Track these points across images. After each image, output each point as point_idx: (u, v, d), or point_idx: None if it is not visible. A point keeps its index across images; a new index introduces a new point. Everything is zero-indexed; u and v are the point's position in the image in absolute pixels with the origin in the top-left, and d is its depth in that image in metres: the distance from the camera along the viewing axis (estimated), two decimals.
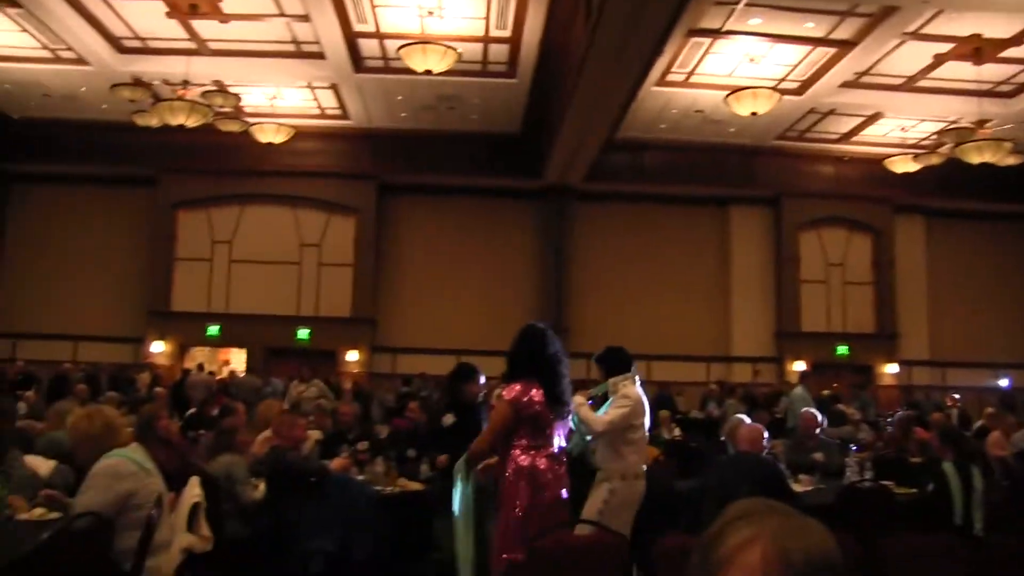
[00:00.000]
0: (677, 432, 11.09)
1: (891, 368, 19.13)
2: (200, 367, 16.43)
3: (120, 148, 17.87)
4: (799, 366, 18.65)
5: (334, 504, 5.09)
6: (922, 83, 14.90)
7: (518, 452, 3.99)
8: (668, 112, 16.63)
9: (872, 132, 17.45)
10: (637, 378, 5.01)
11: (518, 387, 4.03)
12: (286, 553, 5.09)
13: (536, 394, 4.02)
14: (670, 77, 14.96)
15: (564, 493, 4.05)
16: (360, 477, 5.76)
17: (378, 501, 5.32)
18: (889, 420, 11.33)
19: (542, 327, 4.26)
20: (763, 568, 1.02)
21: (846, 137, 17.92)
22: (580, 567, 3.68)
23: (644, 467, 4.95)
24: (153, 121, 13.79)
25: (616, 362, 5.04)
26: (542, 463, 3.97)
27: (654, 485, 6.12)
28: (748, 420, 6.56)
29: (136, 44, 14.50)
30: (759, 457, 5.69)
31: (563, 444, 4.23)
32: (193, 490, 4.21)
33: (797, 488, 6.07)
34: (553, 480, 3.99)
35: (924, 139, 17.21)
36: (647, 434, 5.05)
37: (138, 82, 14.77)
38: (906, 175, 16.75)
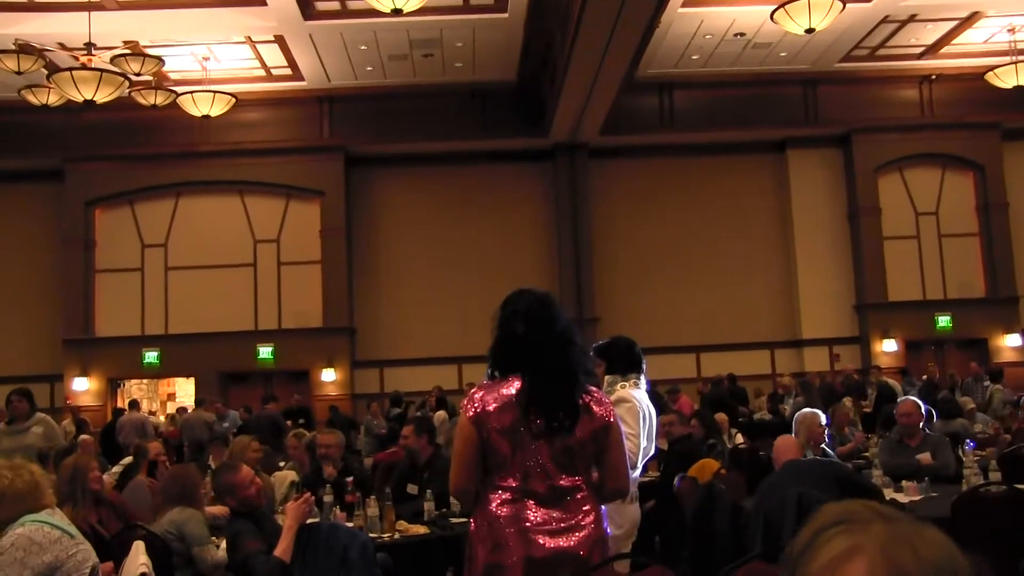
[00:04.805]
0: (740, 439, 11.14)
1: (1011, 340, 19.02)
2: (133, 404, 16.25)
3: (12, 134, 17.80)
4: (889, 345, 18.60)
5: (319, 563, 5.03)
6: None
7: (490, 490, 3.30)
8: (701, 39, 16.53)
9: (969, 39, 17.30)
10: (643, 379, 4.84)
11: (478, 391, 3.33)
12: None
13: (493, 399, 3.26)
14: None
15: (577, 550, 3.20)
16: (349, 524, 5.72)
17: (375, 552, 5.27)
18: (1016, 407, 11.33)
19: (537, 292, 3.46)
20: None
21: (933, 49, 17.79)
22: None
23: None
24: (52, 98, 13.69)
25: (622, 357, 4.82)
26: (504, 508, 3.22)
27: (719, 505, 6.13)
28: (821, 416, 6.60)
29: None
30: (815, 462, 5.65)
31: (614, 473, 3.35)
32: (138, 558, 4.18)
33: (900, 499, 6.05)
34: (520, 536, 3.19)
35: None
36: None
37: (24, 48, 14.62)
38: (1018, 91, 16.45)
